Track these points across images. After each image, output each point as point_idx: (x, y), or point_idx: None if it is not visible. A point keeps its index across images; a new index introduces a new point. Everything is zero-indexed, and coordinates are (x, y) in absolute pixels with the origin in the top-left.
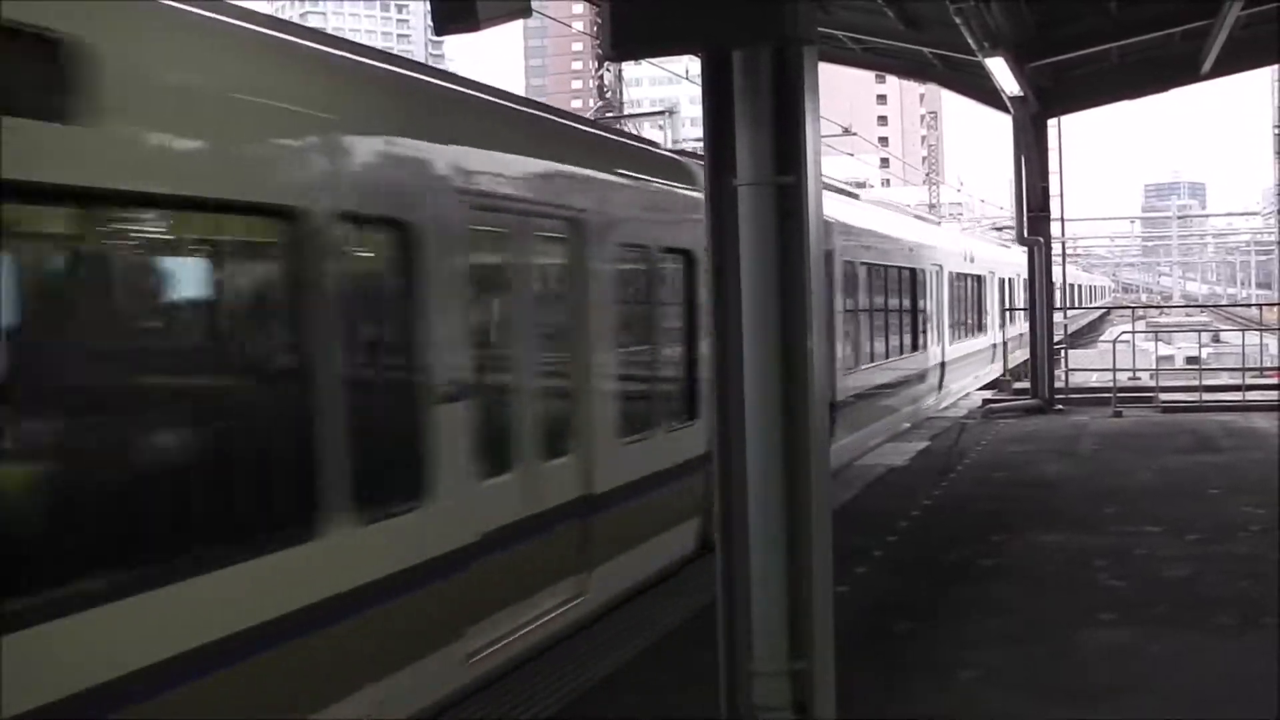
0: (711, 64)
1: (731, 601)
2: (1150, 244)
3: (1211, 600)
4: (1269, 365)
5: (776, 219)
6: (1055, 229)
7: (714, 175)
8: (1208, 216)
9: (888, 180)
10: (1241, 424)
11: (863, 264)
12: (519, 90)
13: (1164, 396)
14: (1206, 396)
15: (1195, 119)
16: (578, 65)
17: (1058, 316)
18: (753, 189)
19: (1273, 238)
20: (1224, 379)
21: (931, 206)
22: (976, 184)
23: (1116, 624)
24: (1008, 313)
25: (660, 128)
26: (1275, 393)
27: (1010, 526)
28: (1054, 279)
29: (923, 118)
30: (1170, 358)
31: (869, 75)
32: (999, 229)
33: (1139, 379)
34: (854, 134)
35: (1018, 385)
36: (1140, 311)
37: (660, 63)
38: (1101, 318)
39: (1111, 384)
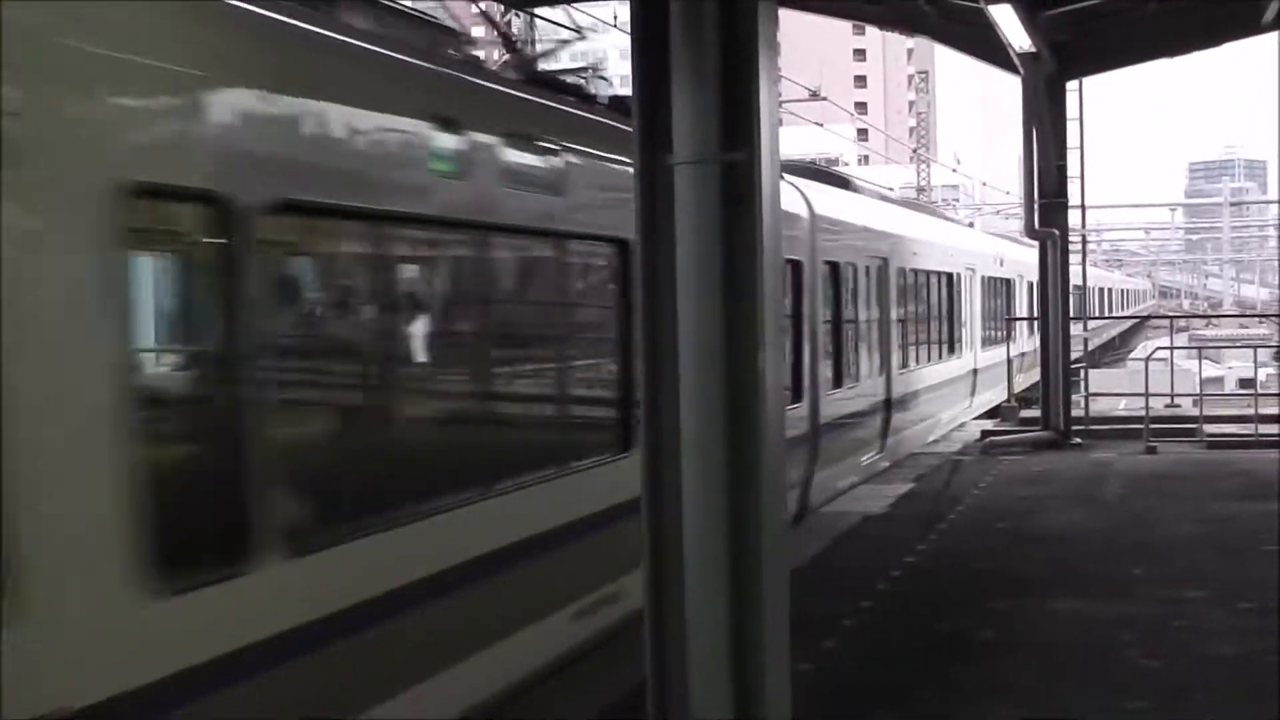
0: (643, 11)
1: (662, 653)
2: (1196, 237)
3: (1270, 687)
4: None
5: (722, 206)
6: (1075, 219)
7: (645, 150)
8: (1269, 203)
9: (866, 157)
10: None
11: (911, 270)
12: None
13: (1210, 429)
14: (1264, 429)
15: (1254, 83)
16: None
17: (1077, 328)
18: (693, 169)
19: None
20: None
21: (920, 190)
22: (977, 162)
23: (1148, 715)
24: (1028, 323)
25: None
26: None
27: (1015, 590)
28: (1072, 281)
29: (910, 79)
30: (1219, 380)
31: (844, 26)
32: (1001, 217)
33: (1178, 407)
34: (824, 99)
35: (1026, 413)
36: (1181, 322)
37: (583, 7)
38: (1133, 330)
39: (1144, 413)
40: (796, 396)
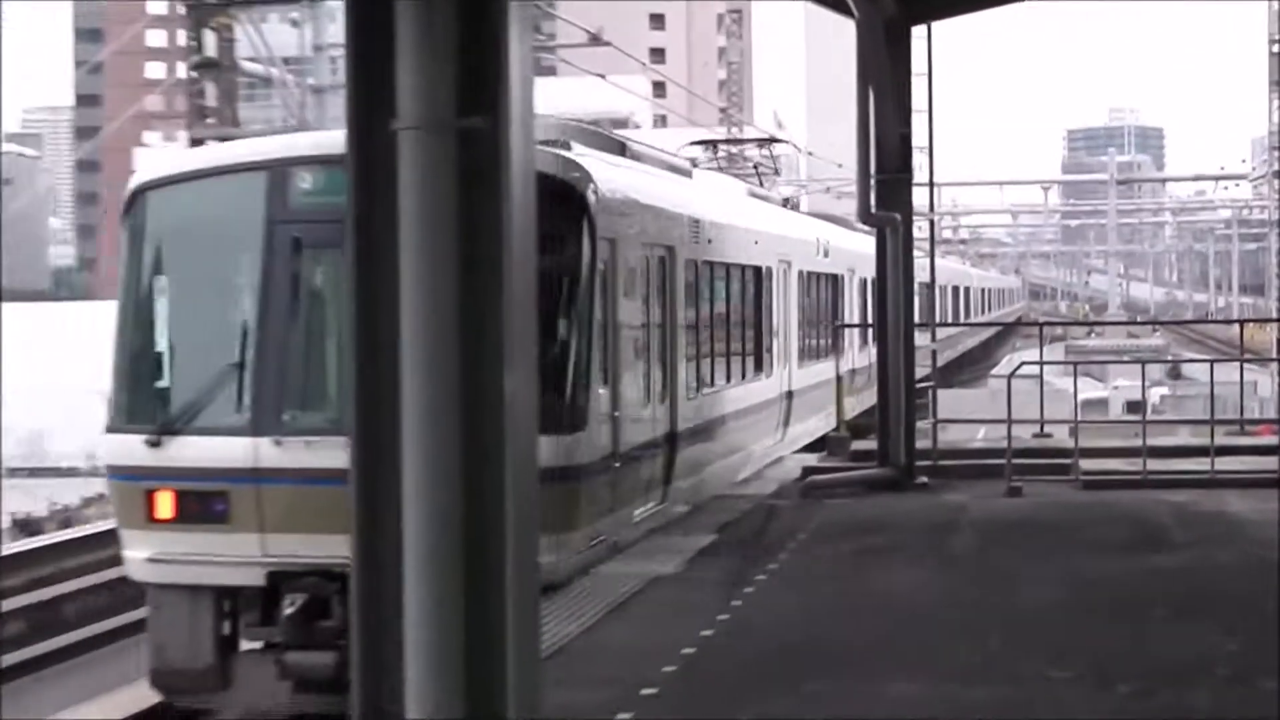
0: None
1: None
2: (1075, 224)
3: None
4: (1258, 417)
5: (458, 182)
6: (922, 199)
7: (359, 113)
8: (1166, 181)
9: (663, 117)
10: (1207, 506)
11: (706, 263)
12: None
13: (1088, 464)
14: (1155, 464)
15: (1148, 36)
16: None
17: (924, 337)
18: (420, 136)
19: (1267, 215)
20: (1185, 436)
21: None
22: (802, 127)
23: None
24: (861, 331)
25: (295, 25)
26: (1269, 458)
27: (840, 669)
28: (919, 277)
29: (720, 20)
30: (1102, 403)
31: None
32: (832, 197)
33: (1050, 437)
34: (608, 44)
35: (859, 445)
36: (1057, 330)
37: None
38: (997, 340)
39: (1006, 445)
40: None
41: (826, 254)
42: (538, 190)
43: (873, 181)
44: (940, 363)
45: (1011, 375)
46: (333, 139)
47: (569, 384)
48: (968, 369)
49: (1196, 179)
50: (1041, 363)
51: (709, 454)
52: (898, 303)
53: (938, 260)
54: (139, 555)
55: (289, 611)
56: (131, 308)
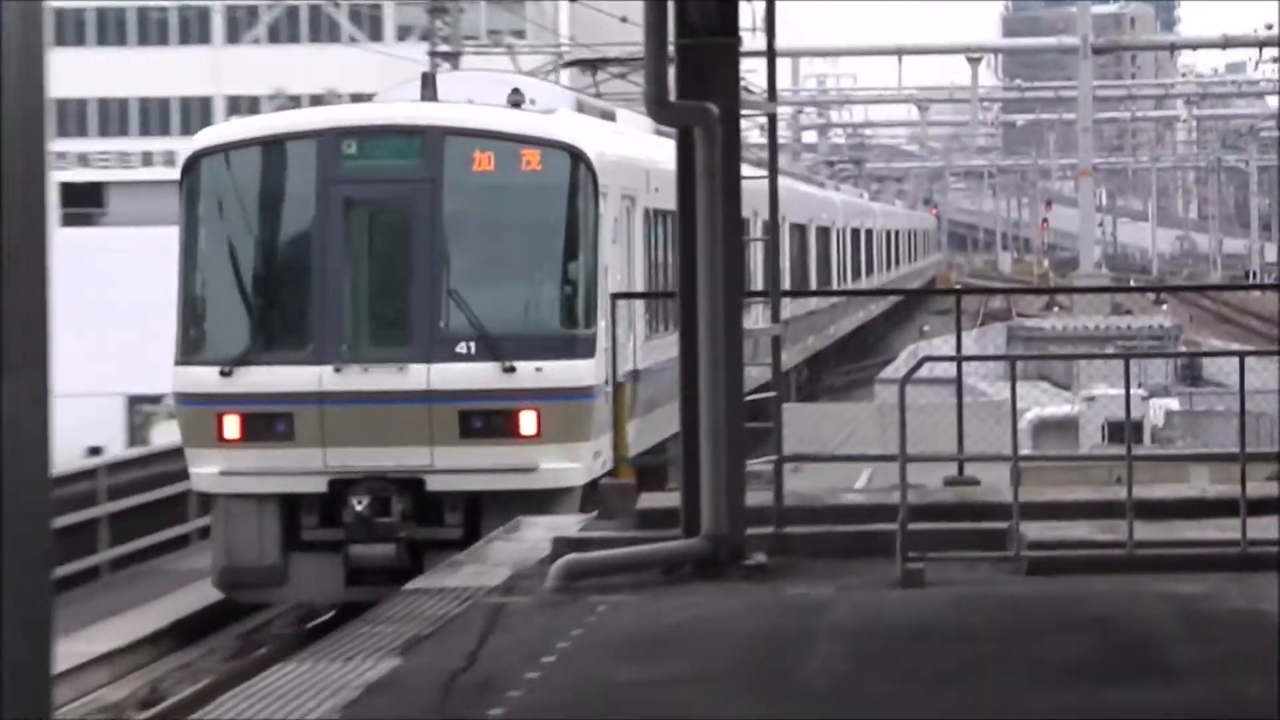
0: None
1: None
2: (1024, 118)
3: None
4: None
5: None
6: (759, 80)
7: None
8: (1176, 49)
9: None
10: (1234, 602)
11: None
12: None
13: (1038, 530)
14: (1149, 531)
15: None
16: None
17: (758, 314)
18: None
19: None
20: (1201, 482)
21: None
22: None
23: None
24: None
25: None
26: None
27: None
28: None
29: None
30: (1064, 425)
31: None
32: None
33: (976, 483)
34: None
35: (650, 502)
36: (993, 302)
37: None
38: (890, 319)
39: (899, 499)
40: None
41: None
42: None
43: (673, 50)
44: (793, 359)
45: (906, 379)
46: (378, 111)
47: None
48: (843, 369)
49: (1227, 46)
50: (962, 358)
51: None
52: (712, 259)
53: (797, 187)
54: (209, 471)
55: (358, 509)
56: (195, 256)
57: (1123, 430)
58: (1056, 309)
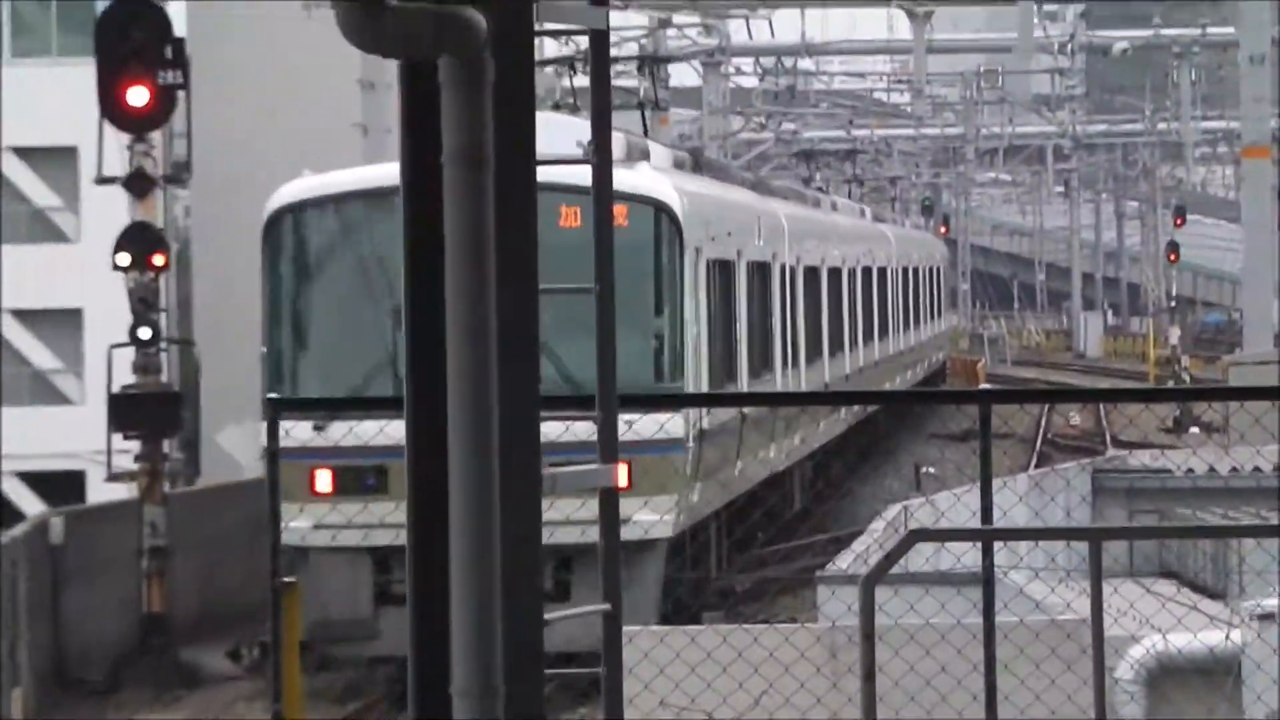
0: None
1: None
2: (1132, 37)
3: None
4: None
5: None
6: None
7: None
8: None
9: None
10: None
11: None
12: None
13: None
14: None
15: None
16: None
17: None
18: None
19: None
20: None
21: None
22: None
23: None
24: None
25: None
26: None
27: None
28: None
29: None
30: (1215, 667)
31: None
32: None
33: None
34: None
35: None
36: (1047, 417)
37: None
38: (859, 441)
39: None
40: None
41: None
42: None
43: None
44: (682, 524)
45: (876, 577)
46: None
47: None
48: (756, 547)
49: None
50: (995, 534)
51: None
52: (472, 314)
53: (721, 193)
54: (302, 525)
55: None
56: (283, 311)
57: None
58: (1196, 430)
